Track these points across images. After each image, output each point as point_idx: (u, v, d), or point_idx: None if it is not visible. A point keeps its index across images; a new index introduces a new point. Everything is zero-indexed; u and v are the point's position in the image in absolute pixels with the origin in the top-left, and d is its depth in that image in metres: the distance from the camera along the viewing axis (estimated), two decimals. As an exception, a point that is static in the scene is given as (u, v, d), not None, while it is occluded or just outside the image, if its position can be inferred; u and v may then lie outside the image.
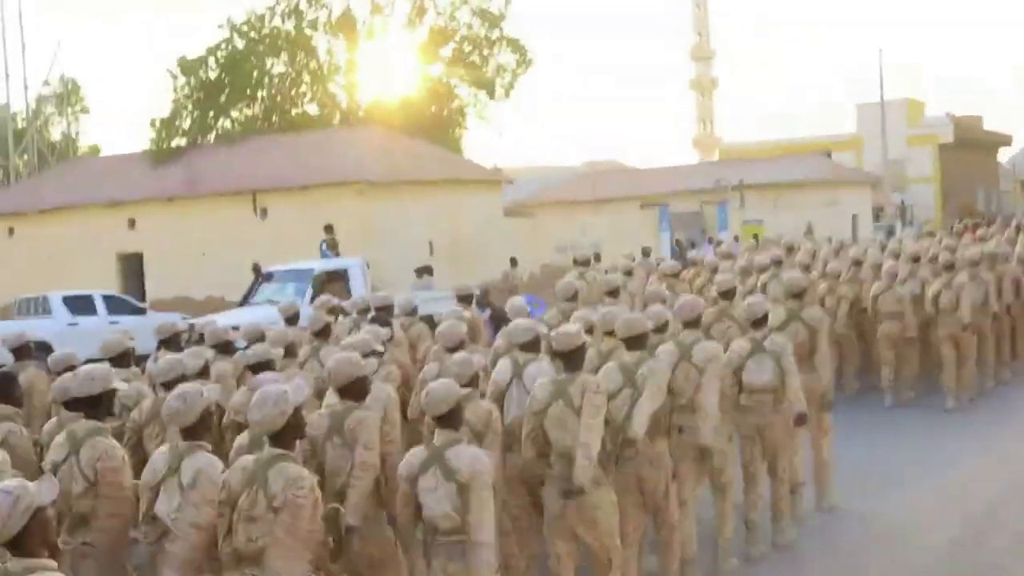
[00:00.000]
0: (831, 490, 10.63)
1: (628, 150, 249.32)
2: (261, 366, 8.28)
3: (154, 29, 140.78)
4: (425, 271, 23.92)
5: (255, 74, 43.14)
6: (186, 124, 41.87)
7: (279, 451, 5.60)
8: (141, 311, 24.94)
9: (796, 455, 9.72)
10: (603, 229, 38.94)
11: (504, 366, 8.26)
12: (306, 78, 46.06)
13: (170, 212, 32.87)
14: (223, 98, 42.54)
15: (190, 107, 42.00)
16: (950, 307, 15.01)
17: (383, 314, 12.28)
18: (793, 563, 9.25)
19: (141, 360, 10.95)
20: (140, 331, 14.74)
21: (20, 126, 52.64)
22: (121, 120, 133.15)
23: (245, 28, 43.58)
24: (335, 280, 21.82)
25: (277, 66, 45.18)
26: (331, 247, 24.53)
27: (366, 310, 13.01)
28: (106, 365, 7.70)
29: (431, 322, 12.68)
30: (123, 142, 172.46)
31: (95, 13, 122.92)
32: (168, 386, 7.74)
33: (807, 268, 15.71)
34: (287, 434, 5.67)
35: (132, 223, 33.71)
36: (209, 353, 9.83)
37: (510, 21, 46.91)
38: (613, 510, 7.18)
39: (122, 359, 9.52)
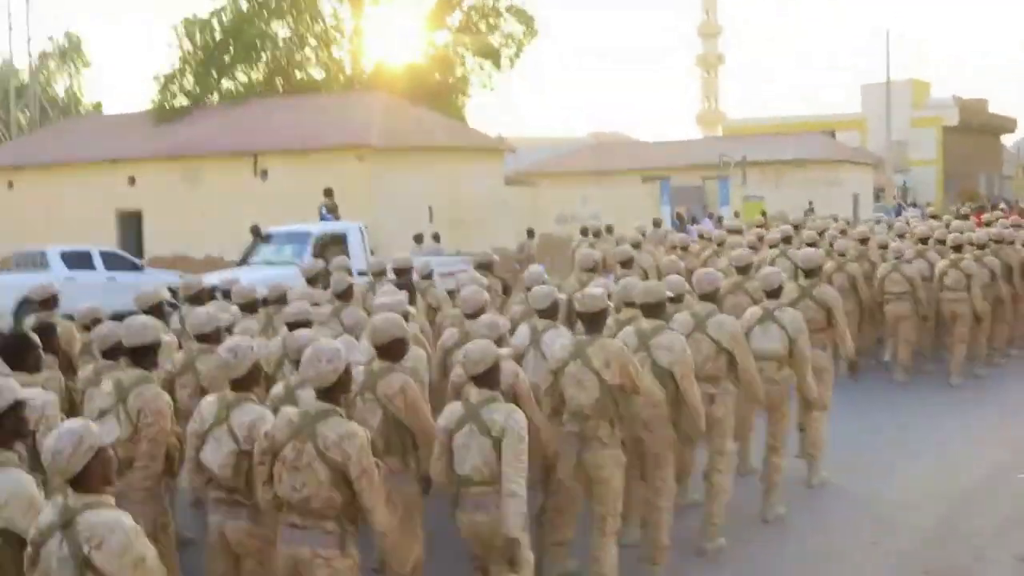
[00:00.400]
0: (821, 466, 10.70)
1: (633, 123, 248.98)
2: (299, 324, 8.37)
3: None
4: (433, 238, 23.95)
5: (259, 37, 42.93)
6: (189, 84, 41.73)
7: (328, 405, 5.74)
8: (138, 268, 24.92)
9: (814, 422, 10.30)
10: (604, 201, 38.89)
11: (523, 332, 8.53)
12: (311, 42, 45.88)
13: (171, 170, 32.80)
14: (227, 59, 42.39)
15: (194, 66, 41.84)
16: (956, 287, 15.37)
17: (403, 277, 12.32)
18: (782, 538, 9.30)
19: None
20: (137, 288, 14.72)
21: (23, 81, 52.44)
22: (125, 78, 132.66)
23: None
24: (334, 243, 21.82)
25: (282, 30, 44.98)
26: (331, 211, 24.50)
27: (381, 272, 13.04)
28: (152, 318, 7.99)
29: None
30: (126, 100, 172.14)
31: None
32: (202, 338, 8.27)
33: (813, 245, 15.58)
34: (336, 389, 5.81)
35: (132, 180, 33.65)
36: (234, 309, 10.19)
37: (518, -9, 46.72)
38: (619, 469, 7.39)
39: (156, 311, 9.75)
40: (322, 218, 24.08)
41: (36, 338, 7.53)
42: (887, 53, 55.95)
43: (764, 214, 35.44)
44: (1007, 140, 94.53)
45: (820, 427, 10.60)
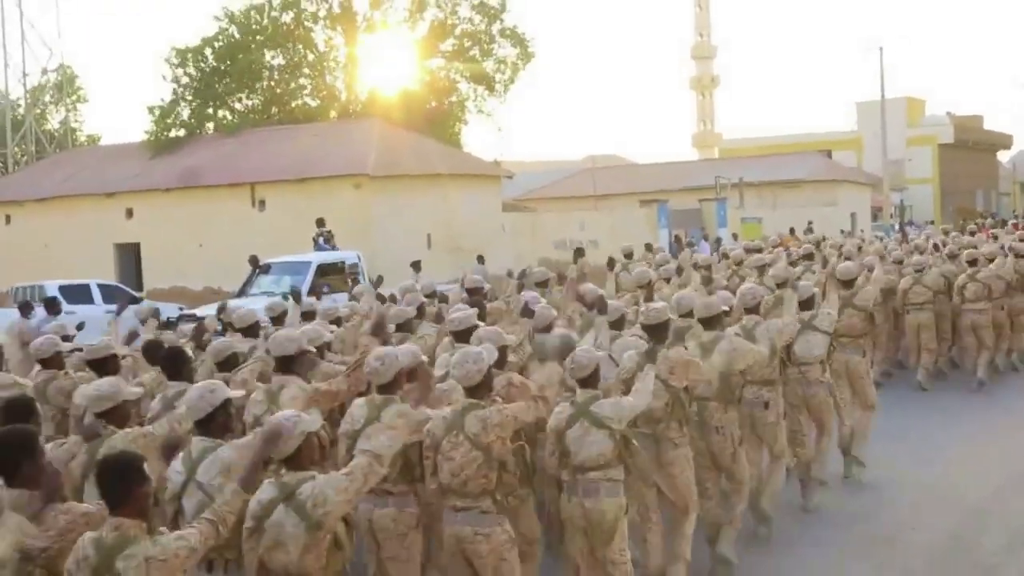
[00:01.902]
0: (859, 461, 11.45)
1: (629, 145, 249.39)
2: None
3: (154, 18, 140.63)
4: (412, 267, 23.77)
5: (253, 66, 43.04)
6: (185, 114, 41.80)
7: (475, 401, 6.63)
8: (137, 300, 24.86)
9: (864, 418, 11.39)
10: (602, 225, 38.89)
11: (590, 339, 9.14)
12: (305, 70, 46.00)
13: (167, 202, 32.79)
14: (221, 89, 42.47)
15: (188, 97, 41.92)
16: (974, 298, 16.20)
17: (476, 296, 12.88)
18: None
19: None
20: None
21: (18, 115, 52.48)
22: (120, 110, 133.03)
23: (243, 19, 43.47)
24: (333, 272, 21.80)
25: (276, 58, 45.11)
26: (328, 240, 24.43)
27: (432, 294, 13.60)
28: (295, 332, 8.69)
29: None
30: (122, 131, 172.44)
31: (94, 1, 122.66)
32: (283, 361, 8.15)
33: (849, 259, 16.42)
34: (481, 387, 6.69)
35: (130, 213, 33.68)
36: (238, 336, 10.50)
37: (511, 14, 46.86)
38: (688, 465, 8.24)
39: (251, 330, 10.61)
40: (318, 248, 24.02)
41: (189, 352, 8.60)
42: (881, 71, 55.87)
43: (792, 232, 35.78)
44: (1003, 157, 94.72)
45: (867, 423, 11.52)
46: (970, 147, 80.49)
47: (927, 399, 15.33)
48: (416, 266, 23.90)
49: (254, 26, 43.66)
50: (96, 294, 24.10)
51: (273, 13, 44.10)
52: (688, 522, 8.27)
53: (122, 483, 4.87)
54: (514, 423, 6.72)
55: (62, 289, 23.61)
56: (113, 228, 33.41)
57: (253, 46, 43.18)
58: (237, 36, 43.27)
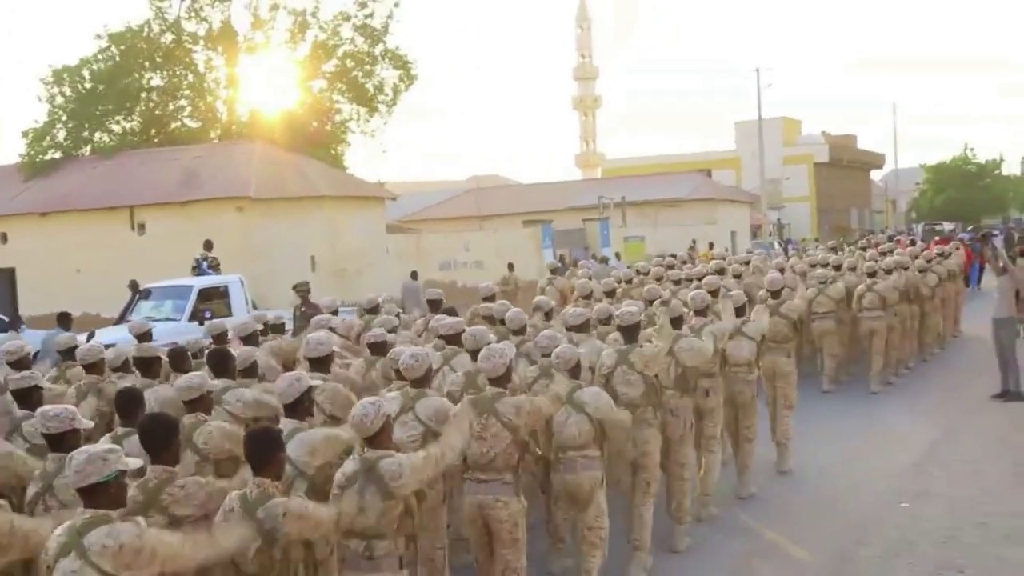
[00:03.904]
0: (791, 454, 12.77)
1: (512, 166, 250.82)
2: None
3: (30, 39, 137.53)
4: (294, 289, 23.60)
5: (133, 87, 42.32)
6: (60, 136, 40.95)
7: (500, 390, 7.68)
8: (12, 327, 24.21)
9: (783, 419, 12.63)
10: (486, 246, 39.03)
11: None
12: (185, 92, 45.37)
13: (43, 226, 32.09)
14: (99, 110, 41.68)
15: (65, 119, 41.07)
16: (871, 306, 17.75)
17: (438, 308, 13.70)
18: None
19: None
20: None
21: None
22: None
23: (122, 39, 42.73)
24: (215, 297, 21.54)
25: (155, 79, 44.40)
26: (212, 266, 24.08)
27: (374, 309, 14.31)
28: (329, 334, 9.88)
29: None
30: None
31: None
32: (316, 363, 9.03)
33: (739, 276, 18.52)
34: (504, 378, 7.75)
35: (4, 237, 32.89)
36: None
37: (393, 36, 46.82)
38: (658, 444, 9.33)
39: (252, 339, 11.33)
40: (201, 272, 23.68)
41: (231, 351, 9.53)
42: (758, 92, 57.09)
43: (711, 246, 37.03)
44: (876, 175, 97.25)
45: (788, 421, 12.75)
46: (844, 166, 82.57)
47: (816, 407, 15.73)
48: (301, 288, 23.78)
49: (134, 48, 42.89)
50: (-31, 321, 23.39)
51: (152, 34, 43.40)
52: (648, 507, 9.22)
53: (263, 450, 5.92)
54: (540, 414, 7.82)
55: (-66, 317, 22.92)
56: (-13, 253, 32.57)
57: (133, 67, 42.47)
58: (117, 57, 42.51)
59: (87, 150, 41.16)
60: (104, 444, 5.65)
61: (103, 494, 5.17)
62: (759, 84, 56.96)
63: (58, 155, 39.40)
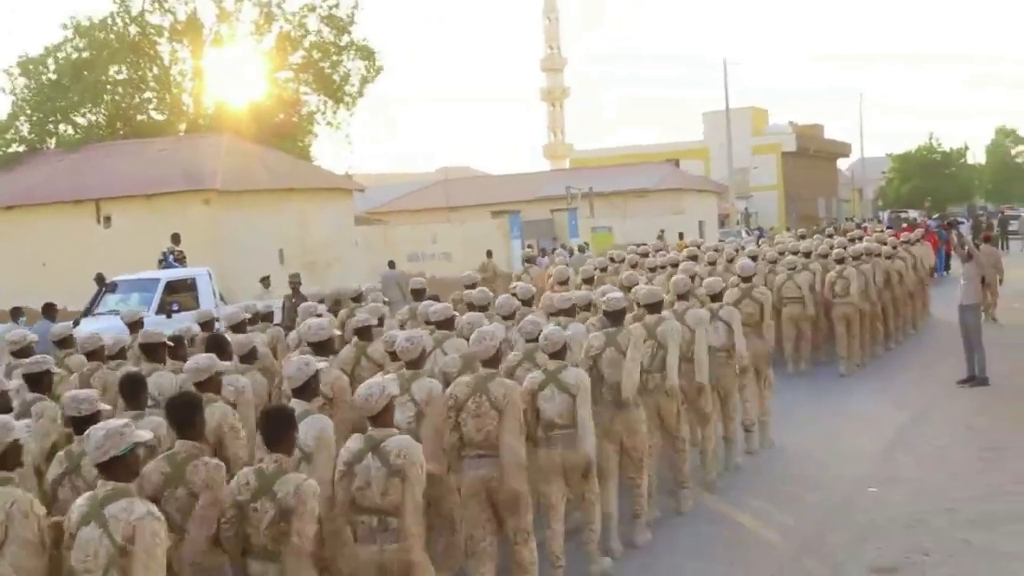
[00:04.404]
0: (770, 430, 13.21)
1: (480, 158, 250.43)
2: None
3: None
4: (262, 282, 23.58)
5: (98, 80, 42.02)
6: (25, 129, 40.64)
7: (493, 371, 8.07)
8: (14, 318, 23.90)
9: (750, 402, 12.77)
10: (454, 237, 38.99)
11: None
12: (151, 84, 45.11)
13: (8, 220, 31.83)
14: (64, 103, 41.38)
15: (29, 112, 40.76)
16: (842, 292, 18.15)
17: (421, 297, 14.10)
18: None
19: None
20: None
21: None
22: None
23: (87, 31, 42.44)
24: (183, 290, 21.41)
25: (121, 72, 44.10)
26: (178, 259, 23.94)
27: (358, 297, 14.82)
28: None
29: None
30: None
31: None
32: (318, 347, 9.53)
33: (713, 264, 18.86)
34: (494, 360, 8.13)
35: (-32, 232, 32.59)
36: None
37: (359, 26, 46.69)
38: (645, 423, 9.57)
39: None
40: (168, 265, 23.53)
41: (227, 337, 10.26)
42: (726, 83, 57.25)
43: (681, 236, 37.41)
44: (842, 164, 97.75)
45: (767, 401, 13.24)
46: (811, 155, 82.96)
47: (786, 392, 15.75)
48: (265, 282, 23.72)
49: (99, 40, 42.58)
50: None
51: (117, 27, 43.10)
52: (643, 478, 9.60)
53: (279, 428, 6.24)
54: (524, 399, 8.14)
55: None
56: (-49, 248, 32.25)
57: (98, 60, 42.17)
58: (82, 49, 42.21)
59: (52, 143, 40.89)
60: (119, 420, 5.83)
61: (121, 466, 5.52)
62: (726, 75, 57.11)
63: (22, 148, 39.10)
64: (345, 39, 46.01)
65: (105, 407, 6.98)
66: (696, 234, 47.45)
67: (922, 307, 23.51)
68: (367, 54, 46.25)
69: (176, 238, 24.75)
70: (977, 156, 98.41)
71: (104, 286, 22.17)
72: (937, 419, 14.52)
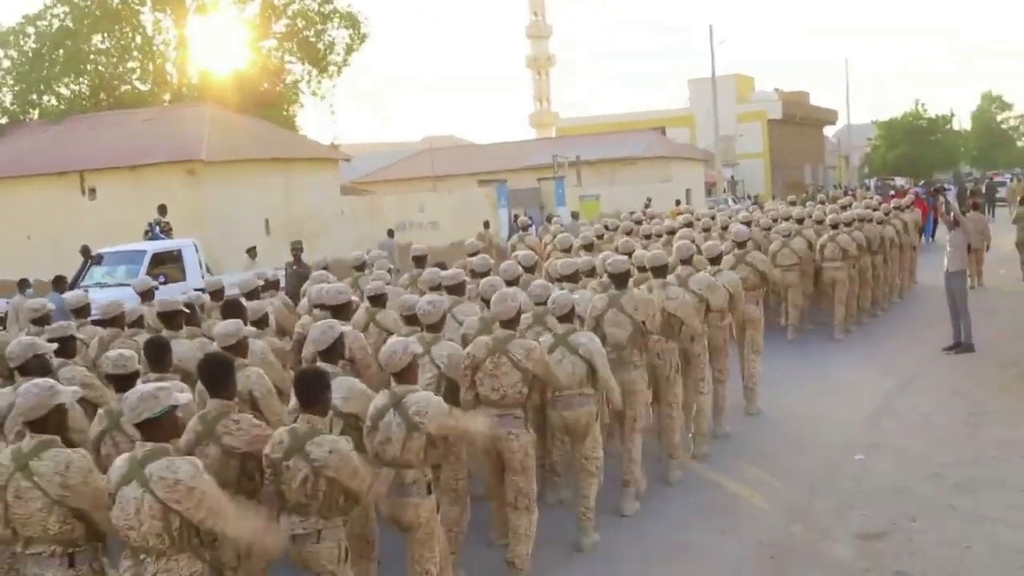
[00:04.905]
0: (758, 397, 13.40)
1: (466, 127, 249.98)
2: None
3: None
4: (248, 252, 23.53)
5: (81, 50, 41.75)
6: (7, 100, 40.41)
7: (511, 332, 8.36)
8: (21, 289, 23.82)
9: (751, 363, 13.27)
10: (442, 206, 38.93)
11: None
12: (134, 54, 44.83)
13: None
14: (46, 73, 41.11)
15: (11, 82, 40.50)
16: (833, 257, 18.35)
17: (422, 264, 14.32)
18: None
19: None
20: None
21: None
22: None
23: (69, 1, 42.12)
24: (169, 261, 21.36)
25: (103, 41, 43.81)
26: (164, 231, 23.85)
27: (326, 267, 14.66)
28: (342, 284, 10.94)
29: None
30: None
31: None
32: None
33: (708, 230, 19.15)
34: (514, 321, 8.43)
35: (-48, 204, 32.43)
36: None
37: (343, -5, 46.41)
38: (644, 383, 9.95)
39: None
40: (154, 237, 23.45)
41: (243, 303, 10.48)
42: (712, 49, 57.01)
43: (678, 203, 37.56)
44: (829, 131, 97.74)
45: (756, 366, 13.36)
46: (798, 122, 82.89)
47: (775, 358, 15.79)
48: (252, 252, 23.67)
49: (81, 9, 42.28)
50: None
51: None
52: (635, 442, 9.83)
53: (314, 389, 6.41)
54: (544, 362, 8.41)
55: None
56: (-65, 220, 32.10)
57: (81, 30, 41.89)
58: (63, 19, 41.92)
59: (35, 114, 40.65)
60: (154, 383, 5.91)
61: (157, 428, 5.58)
62: (712, 41, 56.90)
63: (5, 120, 38.88)
64: (329, 7, 45.76)
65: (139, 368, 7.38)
66: (684, 202, 47.53)
67: (909, 275, 23.63)
68: (352, 22, 46.01)
69: (162, 209, 24.65)
70: (963, 123, 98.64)
71: (90, 258, 22.10)
72: (923, 385, 14.58)
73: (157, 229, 23.80)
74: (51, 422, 5.84)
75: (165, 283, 19.44)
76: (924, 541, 8.75)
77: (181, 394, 5.82)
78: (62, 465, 5.67)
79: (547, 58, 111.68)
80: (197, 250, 22.08)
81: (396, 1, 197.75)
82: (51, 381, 6.05)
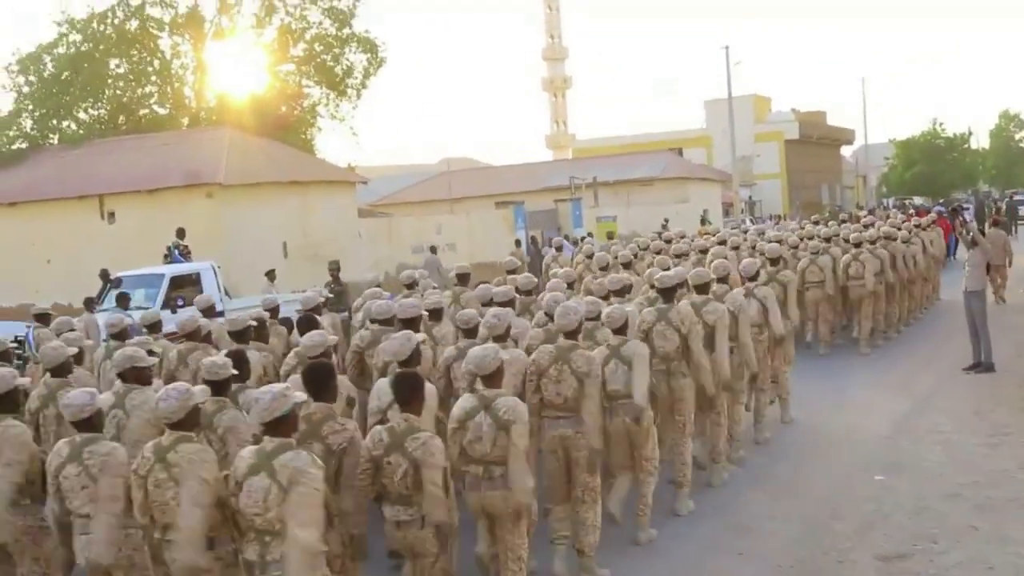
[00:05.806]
0: (790, 407, 13.97)
1: (483, 149, 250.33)
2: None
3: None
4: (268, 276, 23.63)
5: (99, 74, 41.93)
6: (27, 125, 40.59)
7: (573, 342, 8.89)
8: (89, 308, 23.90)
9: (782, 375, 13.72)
10: (459, 228, 38.97)
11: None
12: (152, 78, 45.01)
13: (12, 217, 31.84)
14: (66, 98, 41.31)
15: (31, 107, 40.72)
16: (857, 275, 18.80)
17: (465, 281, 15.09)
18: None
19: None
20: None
21: None
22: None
23: (84, 25, 42.31)
24: (188, 284, 21.41)
25: (122, 66, 44.01)
26: (183, 254, 23.94)
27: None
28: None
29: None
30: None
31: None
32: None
33: (737, 248, 19.67)
34: (576, 332, 8.98)
35: (-28, 229, 32.56)
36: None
37: (361, 19, 46.58)
38: (692, 392, 10.40)
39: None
40: (173, 260, 23.54)
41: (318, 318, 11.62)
42: (728, 70, 57.00)
43: (704, 222, 37.71)
44: (846, 151, 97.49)
45: (787, 378, 13.86)
46: (815, 142, 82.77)
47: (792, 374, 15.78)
48: (271, 275, 23.74)
49: (98, 34, 42.51)
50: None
51: (117, 20, 42.98)
52: (686, 446, 10.43)
53: (411, 391, 7.14)
54: (599, 377, 8.87)
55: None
56: (-45, 245, 32.24)
57: (97, 55, 42.11)
58: (80, 44, 42.13)
59: (55, 139, 40.84)
60: (281, 385, 6.70)
61: (284, 424, 6.23)
62: (728, 62, 56.88)
63: (25, 145, 39.07)
64: (347, 32, 45.90)
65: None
66: (699, 223, 47.46)
67: (932, 291, 24.07)
68: (369, 47, 46.13)
69: (181, 233, 24.74)
70: (981, 141, 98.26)
71: (109, 282, 22.15)
72: (943, 405, 14.54)
73: (177, 252, 23.89)
74: (188, 421, 6.66)
75: (183, 306, 19.47)
76: (945, 562, 8.70)
77: (300, 393, 6.60)
78: (188, 454, 6.46)
79: (563, 80, 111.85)
80: (216, 273, 22.13)
81: (414, 25, 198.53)
82: (187, 385, 6.91)
